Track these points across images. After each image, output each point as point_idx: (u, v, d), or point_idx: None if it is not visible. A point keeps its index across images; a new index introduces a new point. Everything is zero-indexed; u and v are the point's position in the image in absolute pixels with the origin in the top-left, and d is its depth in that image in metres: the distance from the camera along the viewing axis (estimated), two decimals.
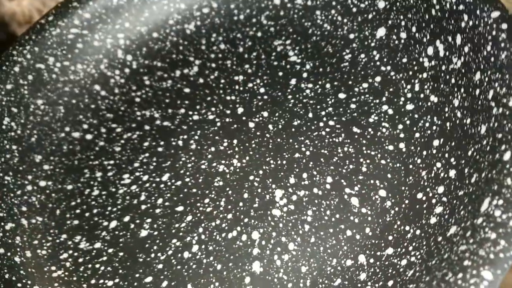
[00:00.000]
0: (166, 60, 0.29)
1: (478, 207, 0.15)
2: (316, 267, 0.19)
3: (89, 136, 0.26)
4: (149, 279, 0.20)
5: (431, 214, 0.18)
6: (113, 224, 0.23)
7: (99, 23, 0.29)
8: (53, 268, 0.21)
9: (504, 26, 0.19)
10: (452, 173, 0.18)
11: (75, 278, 0.21)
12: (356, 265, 0.18)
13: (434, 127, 0.21)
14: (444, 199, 0.18)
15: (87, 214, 0.23)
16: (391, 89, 0.24)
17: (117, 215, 0.23)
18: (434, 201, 0.18)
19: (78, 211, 0.24)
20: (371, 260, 0.18)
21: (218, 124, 0.25)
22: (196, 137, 0.25)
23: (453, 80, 0.21)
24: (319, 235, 0.20)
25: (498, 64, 0.18)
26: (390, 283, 0.17)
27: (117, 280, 0.21)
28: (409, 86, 0.23)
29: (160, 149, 0.25)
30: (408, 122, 0.22)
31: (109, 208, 0.23)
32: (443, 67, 0.22)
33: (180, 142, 0.25)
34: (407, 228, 0.18)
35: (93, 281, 0.21)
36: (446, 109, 0.21)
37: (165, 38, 0.30)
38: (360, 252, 0.19)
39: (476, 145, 0.18)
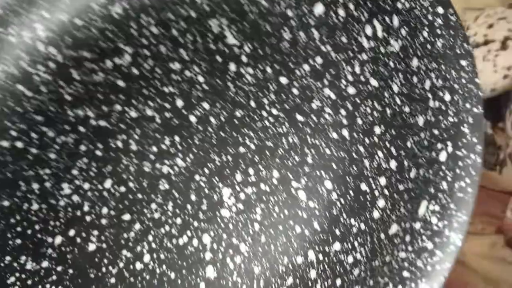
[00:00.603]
0: (95, 50, 0.26)
1: (416, 208, 0.16)
2: (269, 266, 0.19)
3: (19, 144, 0.24)
4: None
5: (374, 207, 0.18)
6: (58, 240, 0.22)
7: (11, 16, 0.26)
8: None
9: (440, 10, 0.18)
10: (393, 164, 0.19)
11: None
12: (306, 262, 0.19)
13: (375, 113, 0.21)
14: (386, 192, 0.18)
15: (29, 232, 0.22)
16: (332, 71, 0.23)
17: (61, 230, 0.22)
18: (376, 193, 0.19)
19: (19, 229, 0.22)
20: (320, 257, 0.19)
21: (158, 120, 0.24)
22: (136, 137, 0.24)
23: (392, 64, 0.20)
24: (270, 233, 0.20)
25: (435, 52, 0.17)
26: (338, 282, 0.17)
27: None
28: (349, 68, 0.22)
29: (99, 152, 0.24)
30: (350, 107, 0.22)
31: (52, 223, 0.22)
32: (382, 49, 0.21)
33: (120, 144, 0.24)
34: (353, 221, 0.19)
35: None
36: (386, 94, 0.20)
37: (90, 25, 0.27)
38: (310, 248, 0.19)
39: (414, 136, 0.18)
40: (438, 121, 0.16)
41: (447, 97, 0.16)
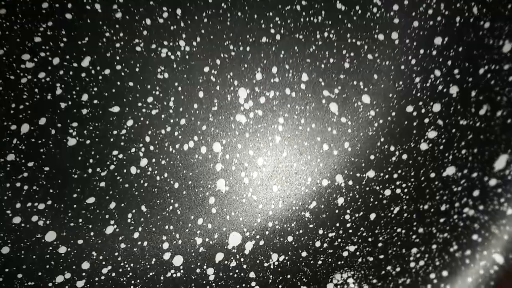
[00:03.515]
0: None
1: (489, 160, 0.14)
2: (289, 186, 0.17)
3: None
4: (91, 199, 0.17)
5: (422, 137, 0.16)
6: (25, 128, 0.17)
7: None
8: None
9: None
10: (454, 90, 0.16)
11: None
12: (333, 187, 0.17)
13: (439, 18, 0.17)
14: (440, 122, 0.16)
15: None
16: None
17: (27, 116, 0.17)
18: (427, 120, 0.16)
19: None
20: (350, 182, 0.17)
21: None
22: (120, 0, 0.18)
23: None
24: (292, 148, 0.17)
25: None
26: (373, 216, 0.16)
27: (49, 202, 0.17)
28: None
29: (68, 15, 0.18)
30: (405, 1, 0.17)
31: (13, 105, 0.17)
32: None
33: (98, 6, 0.18)
34: (392, 148, 0.17)
35: (18, 205, 0.17)
36: None
37: None
38: (338, 171, 0.17)
39: (492, 64, 0.15)
40: None
41: None
